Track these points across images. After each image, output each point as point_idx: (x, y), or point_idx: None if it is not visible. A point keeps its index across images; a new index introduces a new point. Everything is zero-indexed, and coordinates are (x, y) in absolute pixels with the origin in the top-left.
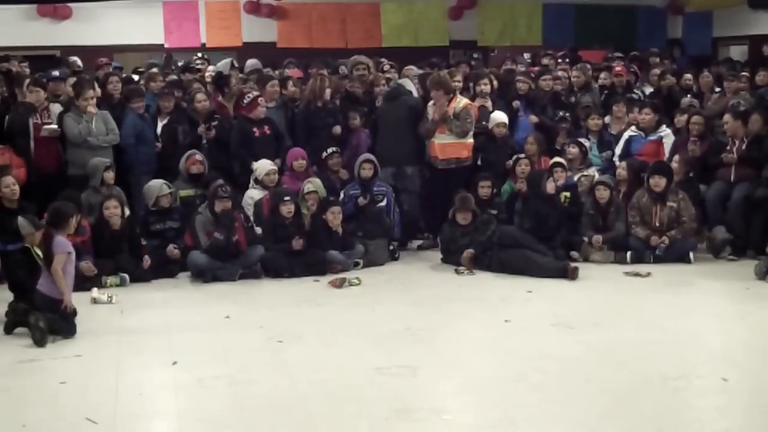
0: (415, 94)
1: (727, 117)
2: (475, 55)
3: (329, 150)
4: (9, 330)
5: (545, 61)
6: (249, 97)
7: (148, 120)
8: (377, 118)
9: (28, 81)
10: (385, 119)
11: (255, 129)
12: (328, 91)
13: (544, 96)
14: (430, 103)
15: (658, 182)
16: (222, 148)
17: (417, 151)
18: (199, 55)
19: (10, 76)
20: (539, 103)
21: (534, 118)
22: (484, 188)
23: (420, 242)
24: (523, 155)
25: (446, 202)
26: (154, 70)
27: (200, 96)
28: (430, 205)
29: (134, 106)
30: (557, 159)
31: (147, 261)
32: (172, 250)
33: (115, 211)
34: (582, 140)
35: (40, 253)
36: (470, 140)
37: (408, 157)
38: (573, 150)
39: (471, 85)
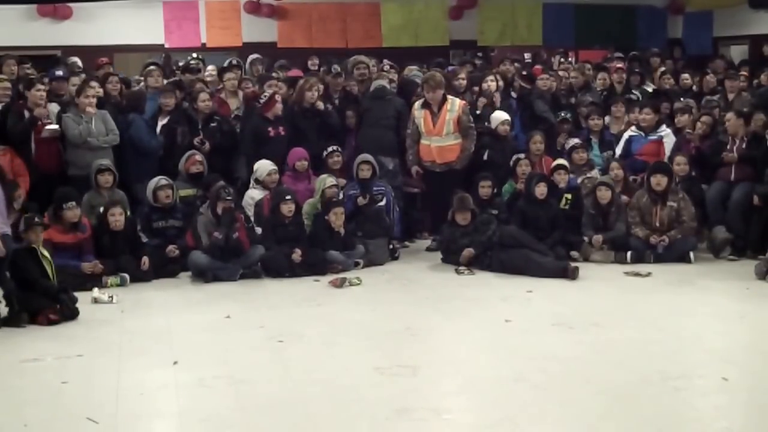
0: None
1: (730, 115)
2: (479, 54)
3: (329, 149)
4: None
5: (555, 59)
6: (266, 95)
7: (150, 123)
8: (363, 113)
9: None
10: (370, 114)
11: (270, 129)
12: (309, 94)
13: (542, 93)
14: (417, 102)
15: (660, 181)
16: (220, 150)
17: (395, 144)
18: (194, 55)
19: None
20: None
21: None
22: (485, 188)
23: (428, 243)
24: (523, 155)
25: (446, 202)
26: (152, 67)
27: (203, 95)
28: (433, 205)
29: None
30: (560, 161)
31: (146, 263)
32: (173, 249)
33: (120, 218)
34: (580, 141)
35: (45, 253)
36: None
37: (385, 149)
38: (583, 155)
39: (478, 87)
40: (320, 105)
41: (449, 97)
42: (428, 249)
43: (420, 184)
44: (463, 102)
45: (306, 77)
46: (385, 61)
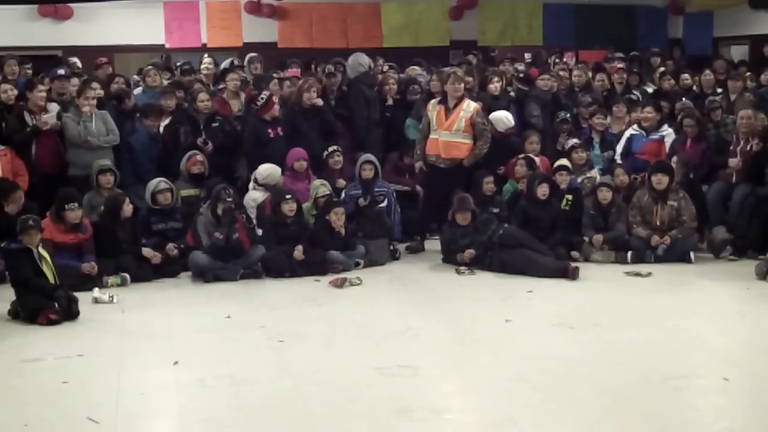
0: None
1: (750, 113)
2: (474, 52)
3: (330, 149)
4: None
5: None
6: (263, 98)
7: (156, 138)
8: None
9: (29, 81)
10: (358, 106)
11: (270, 130)
12: (307, 95)
13: (539, 95)
14: (433, 100)
15: (661, 180)
16: (222, 151)
17: (383, 140)
18: (206, 56)
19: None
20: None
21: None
22: (488, 183)
23: (434, 244)
24: (522, 156)
25: (447, 201)
26: (150, 67)
27: (202, 96)
28: (429, 205)
29: (149, 123)
30: (562, 162)
31: (153, 255)
32: (172, 248)
33: (131, 206)
34: (578, 141)
35: (44, 254)
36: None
37: (374, 148)
38: (582, 155)
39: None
40: (318, 102)
41: (466, 98)
42: (408, 249)
43: (411, 182)
44: (478, 105)
45: (305, 77)
46: (382, 61)
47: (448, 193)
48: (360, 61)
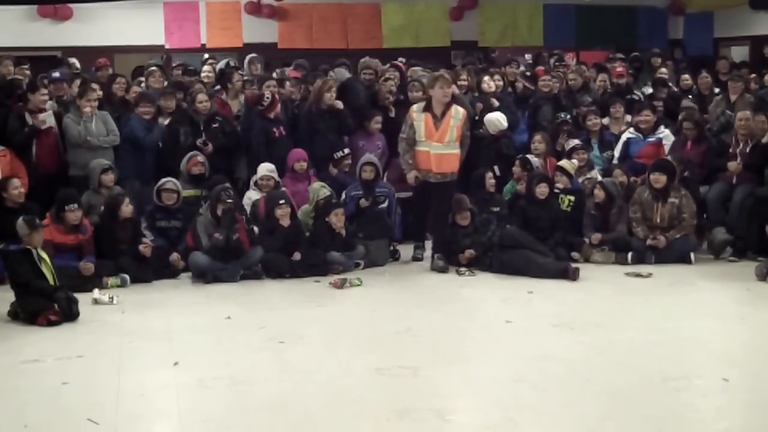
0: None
1: (748, 114)
2: (473, 54)
3: (345, 151)
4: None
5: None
6: (268, 98)
7: (150, 128)
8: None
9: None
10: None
11: (274, 129)
12: (328, 95)
13: (547, 96)
14: (416, 105)
15: (659, 178)
16: (222, 151)
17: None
18: (206, 56)
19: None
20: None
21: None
22: (490, 179)
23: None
24: (519, 156)
25: (440, 212)
26: (154, 68)
27: (201, 96)
28: (420, 216)
29: (141, 110)
30: (560, 163)
31: (147, 249)
32: (177, 260)
33: (130, 207)
34: (580, 142)
35: (43, 255)
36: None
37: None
38: (583, 156)
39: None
40: (338, 104)
41: (453, 104)
42: (414, 259)
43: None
44: (465, 112)
45: (324, 79)
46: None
47: (440, 206)
48: (344, 75)
